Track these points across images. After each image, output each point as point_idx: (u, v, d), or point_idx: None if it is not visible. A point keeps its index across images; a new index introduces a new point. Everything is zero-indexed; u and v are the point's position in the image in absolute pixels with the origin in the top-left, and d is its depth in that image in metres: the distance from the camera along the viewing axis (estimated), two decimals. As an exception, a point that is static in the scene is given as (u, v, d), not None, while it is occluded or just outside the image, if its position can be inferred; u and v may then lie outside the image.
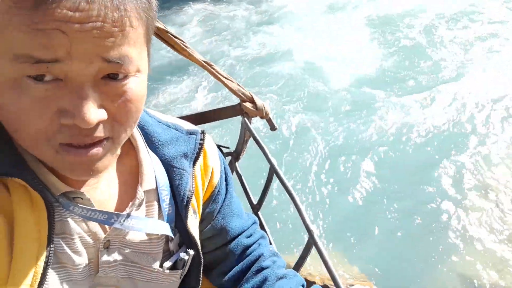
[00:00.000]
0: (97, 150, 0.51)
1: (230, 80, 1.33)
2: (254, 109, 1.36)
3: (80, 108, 0.46)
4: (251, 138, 1.50)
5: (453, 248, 3.09)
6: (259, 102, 1.38)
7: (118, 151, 0.65)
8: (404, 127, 4.26)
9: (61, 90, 0.46)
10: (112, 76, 0.49)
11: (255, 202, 1.33)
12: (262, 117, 1.41)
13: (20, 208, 0.53)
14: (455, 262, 2.99)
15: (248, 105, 1.36)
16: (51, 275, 0.57)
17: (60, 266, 0.58)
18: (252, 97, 1.37)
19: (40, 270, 0.54)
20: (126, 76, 0.50)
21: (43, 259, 0.54)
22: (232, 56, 5.62)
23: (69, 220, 0.59)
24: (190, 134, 0.74)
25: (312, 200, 3.59)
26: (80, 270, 0.60)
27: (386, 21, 6.33)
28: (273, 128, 1.46)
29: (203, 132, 0.75)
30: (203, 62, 1.24)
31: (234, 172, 1.48)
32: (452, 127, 4.20)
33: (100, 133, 0.50)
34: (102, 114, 0.49)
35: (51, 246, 0.55)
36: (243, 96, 1.36)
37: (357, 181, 3.75)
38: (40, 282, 0.54)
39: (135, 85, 0.52)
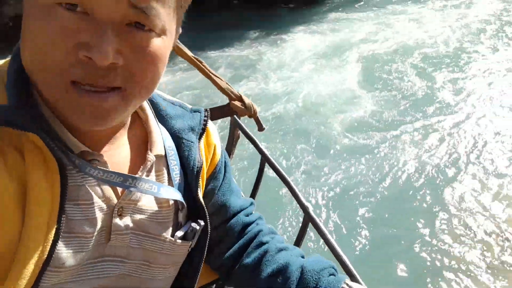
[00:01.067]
0: (107, 97, 0.50)
1: (220, 78, 1.34)
2: (243, 107, 1.37)
3: (98, 43, 0.46)
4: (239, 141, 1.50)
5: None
6: (247, 100, 1.39)
7: (128, 121, 0.66)
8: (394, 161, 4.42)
9: (86, 24, 0.47)
10: (137, 26, 0.50)
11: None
12: (250, 116, 1.42)
13: (33, 171, 0.50)
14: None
15: (237, 103, 1.37)
16: (62, 243, 0.54)
17: (71, 234, 0.55)
18: (240, 96, 1.39)
19: (51, 238, 0.51)
20: (150, 30, 0.51)
21: (54, 226, 0.51)
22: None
23: (83, 185, 0.56)
24: (195, 112, 0.76)
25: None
26: (92, 238, 0.58)
27: (376, 62, 6.73)
28: (261, 128, 1.47)
29: (206, 110, 0.77)
30: (193, 58, 1.25)
31: None
32: (443, 162, 4.36)
33: (113, 79, 0.50)
34: (118, 57, 0.49)
35: (63, 213, 0.52)
36: (232, 95, 1.37)
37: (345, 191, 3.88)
38: (50, 250, 0.51)
39: (158, 44, 0.52)
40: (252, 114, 1.40)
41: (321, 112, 5.28)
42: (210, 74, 1.31)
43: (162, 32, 0.53)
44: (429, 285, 2.92)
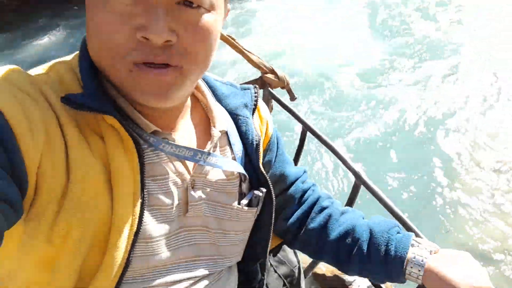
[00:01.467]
0: (166, 72, 0.54)
1: (251, 53, 1.36)
2: (277, 79, 1.39)
3: (152, 23, 0.51)
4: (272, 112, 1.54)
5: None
6: (280, 72, 1.41)
7: (189, 103, 0.70)
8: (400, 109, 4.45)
9: (139, 8, 0.51)
10: (187, 4, 0.53)
11: None
12: (283, 87, 1.45)
13: (114, 151, 0.55)
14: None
15: (270, 76, 1.39)
16: (147, 216, 0.59)
17: (153, 207, 0.60)
18: (272, 68, 1.41)
19: (138, 211, 0.56)
20: (199, 7, 0.54)
21: (139, 200, 0.56)
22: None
23: (158, 162, 0.61)
24: (245, 89, 0.80)
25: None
26: (171, 210, 0.63)
27: (382, 8, 6.58)
28: (293, 97, 1.50)
29: (255, 87, 0.80)
30: (227, 37, 1.26)
31: None
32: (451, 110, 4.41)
33: (170, 57, 0.54)
34: (172, 34, 0.52)
35: (145, 188, 0.57)
36: (264, 68, 1.39)
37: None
38: (138, 222, 0.56)
39: (208, 19, 0.55)
40: (285, 85, 1.43)
41: (329, 63, 5.25)
42: (243, 50, 1.33)
43: (211, 8, 0.56)
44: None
